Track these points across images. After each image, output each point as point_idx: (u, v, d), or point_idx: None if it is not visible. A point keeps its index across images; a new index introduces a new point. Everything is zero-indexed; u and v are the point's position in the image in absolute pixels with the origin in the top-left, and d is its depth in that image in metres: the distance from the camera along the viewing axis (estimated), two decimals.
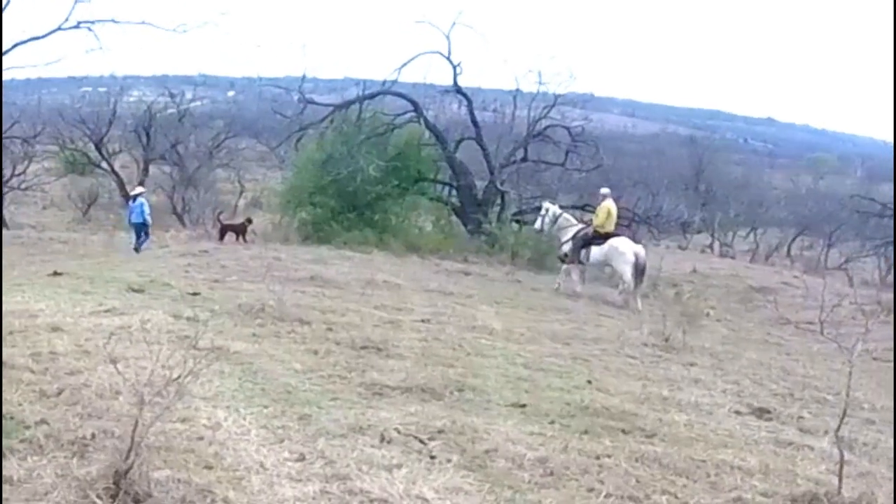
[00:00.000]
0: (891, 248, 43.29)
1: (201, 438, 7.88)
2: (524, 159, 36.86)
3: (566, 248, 25.17)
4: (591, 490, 7.71)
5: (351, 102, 34.93)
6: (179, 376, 7.43)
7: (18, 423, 7.80)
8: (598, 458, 8.47)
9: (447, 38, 34.57)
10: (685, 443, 9.32)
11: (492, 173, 34.49)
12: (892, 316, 22.71)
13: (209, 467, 7.26)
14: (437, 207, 35.58)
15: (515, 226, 31.67)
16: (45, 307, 13.46)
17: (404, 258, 27.63)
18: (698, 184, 65.37)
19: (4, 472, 6.76)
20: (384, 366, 11.57)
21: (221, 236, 32.56)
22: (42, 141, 49.95)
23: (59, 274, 18.54)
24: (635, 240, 27.58)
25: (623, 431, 9.49)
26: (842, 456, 7.99)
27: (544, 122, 36.50)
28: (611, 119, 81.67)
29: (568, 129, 36.75)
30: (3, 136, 43.28)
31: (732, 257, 50.18)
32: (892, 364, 16.65)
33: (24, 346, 10.58)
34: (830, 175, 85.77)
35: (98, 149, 51.72)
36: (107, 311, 13.65)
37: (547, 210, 26.47)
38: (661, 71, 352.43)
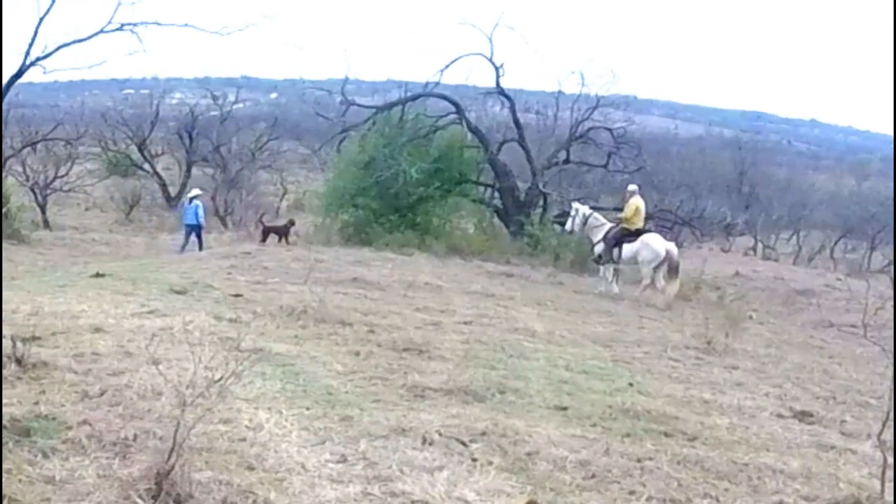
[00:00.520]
0: None
1: (243, 440, 7.88)
2: (567, 161, 36.80)
3: (598, 248, 25.17)
4: (632, 493, 7.68)
5: (393, 104, 34.93)
6: (222, 378, 7.45)
7: (61, 423, 7.81)
8: (639, 461, 8.43)
9: (489, 39, 34.59)
10: (727, 446, 9.27)
11: (534, 175, 34.41)
12: None
13: (251, 468, 7.27)
14: (480, 209, 35.55)
15: (558, 228, 31.54)
16: (88, 308, 13.50)
17: (446, 260, 27.59)
18: (741, 186, 65.09)
19: (47, 473, 6.79)
20: (426, 367, 11.56)
21: (264, 238, 32.66)
22: (85, 143, 50.24)
23: (102, 275, 18.59)
24: (677, 242, 27.48)
25: (665, 434, 9.45)
26: (885, 460, 7.94)
27: (587, 124, 36.38)
28: (653, 121, 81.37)
29: (610, 130, 36.62)
30: (47, 137, 43.67)
31: (775, 260, 49.90)
32: None
33: (67, 347, 10.60)
34: (874, 177, 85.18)
35: (140, 150, 52.13)
36: (149, 312, 13.68)
37: (577, 211, 26.42)
38: (704, 73, 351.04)
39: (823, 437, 10.19)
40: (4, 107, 34.23)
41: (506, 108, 36.40)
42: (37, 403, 8.24)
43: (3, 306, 12.30)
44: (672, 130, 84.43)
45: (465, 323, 15.78)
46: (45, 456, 7.08)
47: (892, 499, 7.75)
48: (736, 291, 29.09)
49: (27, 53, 31.31)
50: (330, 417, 8.89)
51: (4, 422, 7.55)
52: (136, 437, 7.58)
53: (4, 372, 9.04)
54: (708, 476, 8.23)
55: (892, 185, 52.32)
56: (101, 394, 8.87)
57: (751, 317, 22.09)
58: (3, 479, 6.59)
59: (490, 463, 7.98)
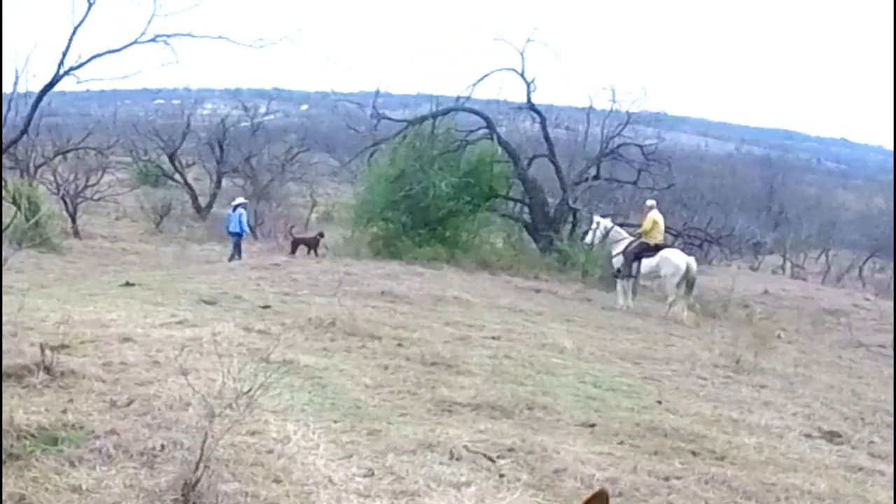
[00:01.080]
0: None
1: (270, 452, 7.88)
2: (596, 177, 36.78)
3: (616, 261, 25.17)
4: None
5: (424, 118, 34.94)
6: (250, 389, 7.46)
7: (88, 432, 7.82)
8: (667, 479, 8.41)
9: (521, 55, 34.63)
10: (755, 466, 9.23)
11: (564, 191, 34.41)
12: None
13: (277, 481, 7.26)
14: (509, 224, 35.60)
15: (587, 244, 31.55)
16: (117, 317, 13.52)
17: (475, 274, 27.59)
18: (771, 204, 64.99)
19: (74, 482, 6.81)
20: (454, 382, 11.54)
21: (293, 250, 32.78)
22: (116, 152, 50.45)
23: (131, 284, 18.68)
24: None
25: (693, 453, 9.42)
26: None
27: (617, 140, 36.41)
28: (683, 138, 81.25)
29: (641, 147, 36.65)
30: (78, 146, 43.86)
31: (804, 279, 49.81)
32: None
33: (96, 356, 10.62)
34: None
35: (171, 161, 52.30)
36: (178, 322, 13.71)
37: (598, 224, 26.43)
38: (735, 90, 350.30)
39: (852, 458, 10.14)
40: (36, 115, 34.32)
41: (536, 124, 36.46)
42: (64, 412, 8.24)
43: (33, 314, 12.38)
44: (702, 147, 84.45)
45: (494, 338, 15.76)
46: (72, 465, 7.10)
47: None
48: (764, 310, 29.03)
49: (60, 63, 31.39)
50: (357, 431, 8.89)
51: (32, 430, 7.58)
52: (163, 447, 7.59)
53: (33, 380, 9.08)
54: (735, 496, 8.19)
55: None
56: (129, 403, 8.88)
57: (779, 336, 21.98)
58: (30, 488, 6.62)
59: (517, 479, 7.96)
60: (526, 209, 35.39)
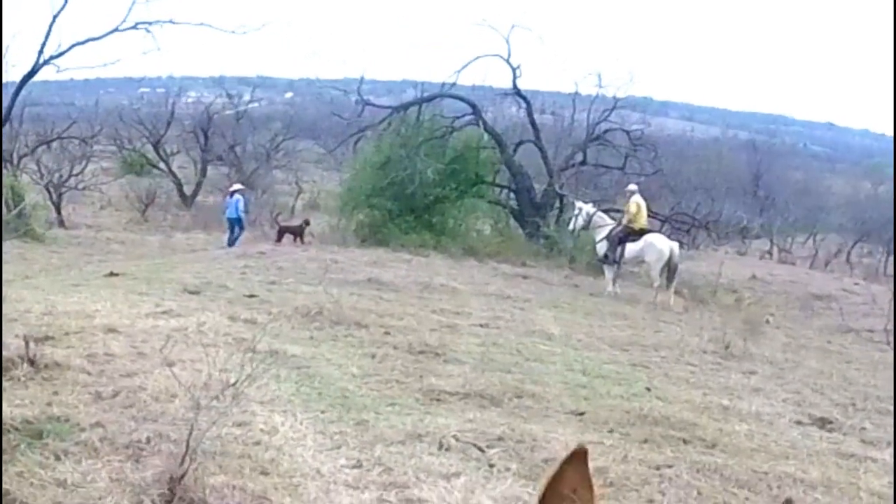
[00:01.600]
0: None
1: (257, 444, 7.83)
2: (583, 163, 36.73)
3: (601, 247, 25.19)
4: (651, 501, 7.62)
5: (409, 105, 34.92)
6: (236, 381, 7.39)
7: (73, 425, 7.77)
8: (658, 468, 8.36)
9: (506, 40, 34.51)
10: (746, 454, 9.18)
11: (550, 177, 34.33)
12: None
13: (265, 473, 7.21)
14: (496, 211, 35.57)
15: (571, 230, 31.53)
16: (102, 308, 13.43)
17: (462, 261, 27.55)
18: (758, 189, 65.04)
19: (59, 476, 6.74)
20: (442, 371, 11.51)
21: (279, 238, 32.68)
22: (100, 141, 50.33)
23: (116, 274, 18.62)
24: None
25: (683, 441, 9.37)
26: None
27: (603, 126, 36.36)
28: (669, 123, 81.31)
29: (627, 132, 36.62)
30: (62, 136, 43.73)
31: (792, 263, 49.77)
32: None
33: (81, 348, 10.54)
34: (891, 181, 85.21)
35: (156, 149, 52.15)
36: (163, 312, 13.63)
37: (580, 209, 26.45)
38: (721, 75, 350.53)
39: (843, 444, 10.09)
40: (18, 104, 34.19)
41: (522, 110, 36.40)
42: (49, 405, 8.19)
43: (17, 306, 12.30)
44: (688, 132, 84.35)
45: (482, 325, 15.76)
46: (57, 458, 7.04)
47: None
48: (753, 295, 29.04)
49: (40, 52, 31.25)
50: (345, 421, 8.84)
51: (17, 424, 7.51)
52: (149, 440, 7.53)
53: (17, 372, 8.99)
54: (728, 484, 8.14)
55: None
56: (115, 395, 8.82)
57: (768, 321, 21.98)
58: (15, 483, 6.54)
59: (507, 469, 7.91)
60: (512, 195, 35.33)
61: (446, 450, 8.26)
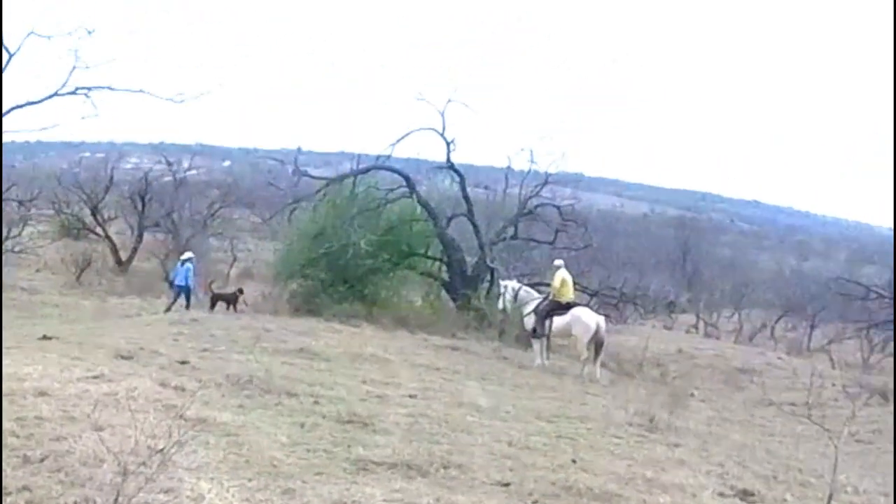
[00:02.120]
0: (873, 331, 43.40)
1: None
2: (514, 237, 36.99)
3: (529, 321, 25.47)
4: None
5: (345, 176, 35.11)
6: (164, 448, 7.45)
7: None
8: None
9: (441, 115, 34.74)
10: None
11: (482, 249, 34.48)
12: (874, 398, 22.87)
13: None
14: (428, 282, 35.66)
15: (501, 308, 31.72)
16: (33, 371, 13.37)
17: (393, 332, 27.60)
18: (685, 264, 65.77)
19: None
20: (370, 441, 11.59)
21: (213, 305, 32.64)
22: (38, 205, 50.08)
23: (49, 338, 18.56)
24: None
25: None
26: None
27: (535, 201, 36.67)
28: (599, 198, 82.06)
29: (558, 208, 36.97)
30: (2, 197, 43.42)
31: (717, 338, 50.39)
32: (874, 447, 16.66)
33: (10, 411, 10.52)
34: (815, 257, 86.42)
35: (94, 214, 51.92)
36: (95, 377, 13.58)
37: (506, 287, 26.90)
38: (650, 152, 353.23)
39: None
40: None
41: (456, 183, 36.59)
42: None
43: None
44: (618, 207, 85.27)
45: (410, 396, 15.82)
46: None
47: None
48: (678, 369, 29.36)
49: None
50: (272, 489, 8.89)
51: None
52: None
53: None
54: None
55: (830, 265, 53.21)
56: (42, 459, 8.83)
57: (693, 394, 22.26)
58: None
59: None
60: (444, 267, 35.45)
61: None
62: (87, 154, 68.48)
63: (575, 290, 26.94)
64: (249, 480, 9.10)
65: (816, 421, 10.57)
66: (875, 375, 32.48)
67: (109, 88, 31.94)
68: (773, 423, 20.33)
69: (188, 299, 33.37)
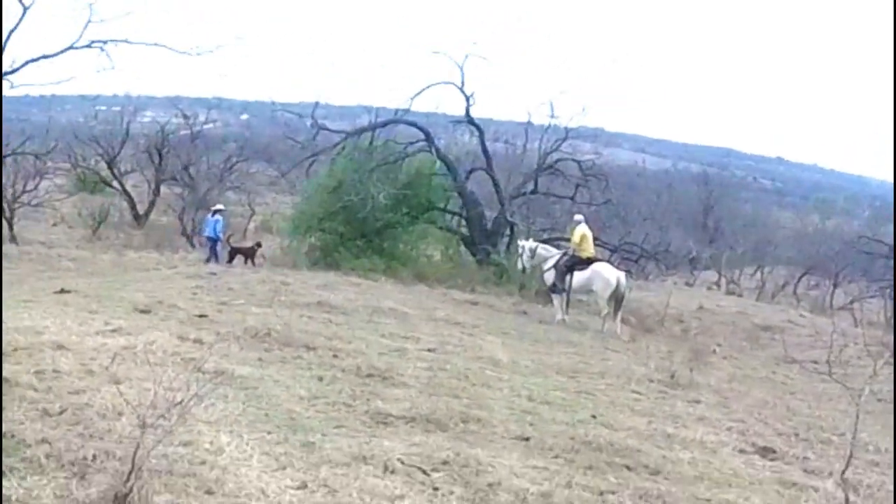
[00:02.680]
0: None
1: (203, 463, 7.81)
2: (534, 191, 36.85)
3: (549, 276, 25.33)
4: None
5: (363, 130, 35.02)
6: (183, 400, 7.39)
7: (19, 441, 7.72)
8: (601, 494, 8.42)
9: (460, 68, 34.59)
10: (689, 481, 9.26)
11: (502, 204, 34.40)
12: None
13: (210, 493, 7.21)
14: (447, 237, 35.59)
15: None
16: (51, 325, 13.34)
17: (412, 286, 27.56)
18: (707, 221, 65.45)
19: (4, 492, 6.71)
20: (389, 395, 11.53)
21: (231, 259, 32.59)
22: (54, 158, 49.98)
23: (67, 291, 18.49)
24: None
25: (627, 468, 9.44)
26: (847, 498, 7.94)
27: (555, 156, 36.51)
28: (621, 154, 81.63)
29: (579, 162, 36.78)
30: (17, 152, 43.36)
31: (739, 295, 50.05)
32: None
33: (29, 364, 10.49)
34: (838, 215, 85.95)
35: (110, 168, 51.93)
36: (113, 330, 13.55)
37: (523, 248, 26.66)
38: (673, 108, 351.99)
39: (785, 473, 10.18)
40: None
41: (475, 137, 36.49)
42: None
43: None
44: (640, 164, 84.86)
45: (430, 350, 15.74)
46: (2, 475, 7.01)
47: None
48: (700, 325, 29.24)
49: None
50: (291, 443, 8.84)
51: None
52: (95, 457, 7.51)
53: None
54: None
55: (853, 223, 52.83)
56: (62, 412, 8.79)
57: (714, 351, 22.11)
58: None
59: (451, 493, 7.95)
60: (464, 222, 35.37)
61: (391, 473, 8.28)
62: (104, 108, 68.20)
63: (595, 245, 26.80)
64: (268, 433, 9.05)
65: (838, 379, 10.42)
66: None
67: (126, 42, 31.91)
68: (794, 380, 20.18)
69: (213, 252, 33.44)
